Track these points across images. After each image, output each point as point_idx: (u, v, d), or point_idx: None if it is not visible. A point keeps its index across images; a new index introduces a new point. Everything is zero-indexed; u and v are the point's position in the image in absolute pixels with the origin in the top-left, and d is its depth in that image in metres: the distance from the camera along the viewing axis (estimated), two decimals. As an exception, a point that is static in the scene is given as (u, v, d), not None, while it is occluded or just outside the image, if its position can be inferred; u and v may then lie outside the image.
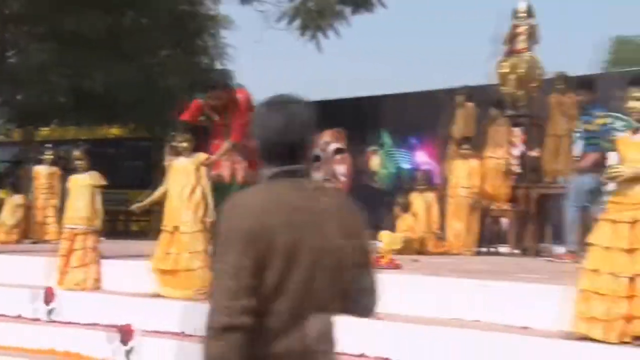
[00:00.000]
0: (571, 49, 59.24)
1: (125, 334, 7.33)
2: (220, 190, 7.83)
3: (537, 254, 12.07)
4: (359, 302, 2.68)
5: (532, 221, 12.39)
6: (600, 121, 10.15)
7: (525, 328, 5.86)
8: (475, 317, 6.19)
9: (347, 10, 17.77)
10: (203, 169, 7.86)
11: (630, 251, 5.21)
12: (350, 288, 2.60)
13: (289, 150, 2.58)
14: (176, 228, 7.63)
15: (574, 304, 5.42)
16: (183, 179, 7.76)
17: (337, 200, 2.71)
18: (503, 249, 12.72)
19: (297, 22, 17.65)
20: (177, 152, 7.92)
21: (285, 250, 2.41)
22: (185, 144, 7.82)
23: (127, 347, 7.29)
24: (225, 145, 8.00)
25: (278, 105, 2.68)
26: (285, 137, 2.57)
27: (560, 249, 10.75)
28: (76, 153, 9.22)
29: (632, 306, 5.19)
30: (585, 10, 66.99)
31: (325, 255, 2.47)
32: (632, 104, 5.52)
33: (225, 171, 8.10)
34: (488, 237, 12.86)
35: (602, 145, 10.32)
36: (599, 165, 10.36)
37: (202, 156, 7.91)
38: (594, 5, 67.15)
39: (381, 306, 6.30)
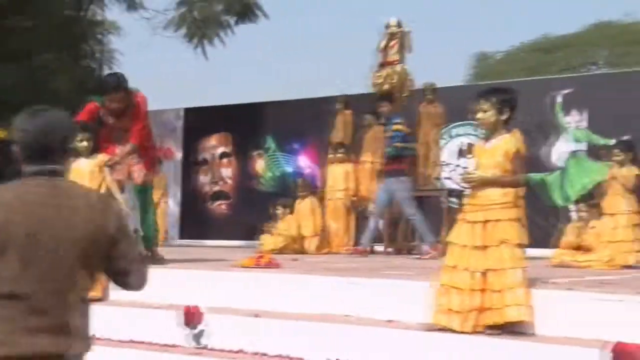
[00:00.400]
0: (443, 63, 60.40)
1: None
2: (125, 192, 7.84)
3: (409, 252, 12.27)
4: (126, 282, 3.01)
5: (404, 221, 12.56)
6: (395, 128, 11.01)
7: (390, 321, 5.87)
8: (346, 312, 6.18)
9: (232, 20, 17.72)
10: (106, 170, 7.59)
11: (482, 248, 5.37)
12: (102, 272, 2.96)
13: (47, 152, 2.77)
14: None
15: (435, 298, 5.52)
16: (86, 181, 7.20)
17: (88, 197, 2.91)
18: (378, 247, 12.82)
19: (183, 30, 17.53)
20: (76, 153, 7.40)
21: (23, 241, 2.63)
22: (85, 144, 7.47)
23: None
24: (128, 147, 7.81)
25: (38, 113, 2.86)
26: (43, 140, 2.77)
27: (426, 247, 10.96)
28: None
29: (484, 299, 5.34)
30: (455, 27, 68.25)
31: (68, 246, 2.68)
32: (479, 115, 5.68)
33: (120, 174, 7.88)
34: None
35: (386, 151, 10.82)
36: (389, 169, 11.30)
37: (103, 157, 7.65)
38: (463, 23, 68.47)
39: (260, 303, 6.34)
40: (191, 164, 18.38)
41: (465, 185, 5.65)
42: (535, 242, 10.68)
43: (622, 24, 40.57)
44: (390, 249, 12.54)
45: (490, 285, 5.35)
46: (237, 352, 6.03)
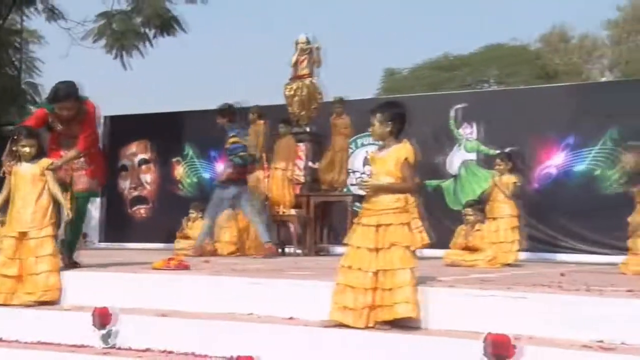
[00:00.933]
0: (360, 77, 60.81)
1: None
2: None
3: (317, 253, 12.36)
4: None
5: (313, 224, 12.65)
6: (231, 140, 11.05)
7: (291, 319, 5.87)
8: (249, 311, 6.16)
9: (151, 33, 17.60)
10: (49, 174, 7.25)
11: (375, 250, 5.42)
12: None
13: None
14: (23, 234, 7.03)
15: (332, 296, 5.55)
16: (28, 185, 7.15)
17: None
18: (289, 249, 12.92)
19: (102, 41, 17.34)
20: (18, 157, 7.22)
21: None
22: (28, 149, 7.15)
23: None
24: (73, 152, 7.50)
25: None
26: None
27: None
28: None
29: (376, 297, 5.40)
30: (370, 45, 68.91)
31: None
32: (371, 127, 5.81)
33: (64, 179, 7.58)
34: (277, 238, 13.06)
35: (234, 161, 10.89)
36: (236, 177, 11.21)
37: (46, 161, 7.28)
38: (376, 41, 69.16)
39: (168, 303, 6.29)
40: (113, 170, 18.14)
41: (361, 191, 5.69)
42: (436, 243, 10.98)
43: (510, 46, 41.98)
44: (300, 250, 12.64)
45: (381, 284, 5.39)
46: (144, 350, 5.92)
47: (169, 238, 12.80)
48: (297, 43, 13.12)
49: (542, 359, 4.77)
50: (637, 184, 8.41)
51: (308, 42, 13.08)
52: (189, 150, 17.64)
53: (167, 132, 17.56)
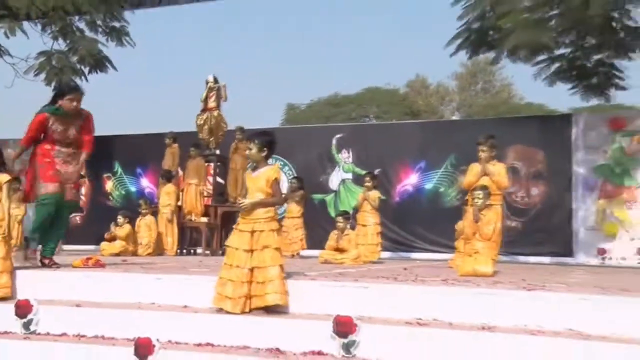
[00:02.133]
0: (266, 109, 60.75)
1: None
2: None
3: (222, 254, 12.36)
4: None
5: (218, 230, 12.68)
6: None
7: (185, 306, 5.90)
8: (152, 301, 6.17)
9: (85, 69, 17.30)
10: (7, 186, 6.82)
11: (250, 251, 5.55)
12: None
13: None
14: None
15: (215, 288, 5.66)
16: None
17: None
18: (200, 250, 12.92)
19: (42, 75, 16.98)
20: None
21: None
22: None
23: None
24: (84, 155, 7.03)
25: None
26: None
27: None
28: None
29: (251, 288, 5.51)
30: (273, 83, 68.94)
31: None
32: (247, 152, 5.93)
33: (56, 185, 7.04)
34: (189, 242, 13.08)
35: None
36: None
37: (4, 176, 6.84)
38: (279, 80, 69.30)
39: (82, 295, 6.17)
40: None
41: (240, 208, 5.73)
42: (318, 244, 11.11)
43: (384, 89, 42.82)
44: (208, 252, 12.65)
45: (255, 278, 5.50)
46: (60, 335, 5.85)
47: (99, 241, 12.60)
48: (206, 82, 13.22)
49: (376, 335, 4.96)
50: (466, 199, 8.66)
51: (215, 81, 13.20)
52: (118, 168, 17.44)
53: (100, 151, 17.28)
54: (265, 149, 5.83)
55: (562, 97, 58.64)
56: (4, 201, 6.92)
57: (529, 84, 60.37)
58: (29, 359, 5.69)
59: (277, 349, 5.10)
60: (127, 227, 12.25)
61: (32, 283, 6.84)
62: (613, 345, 4.53)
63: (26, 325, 6.13)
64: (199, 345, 5.33)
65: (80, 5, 16.24)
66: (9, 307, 6.25)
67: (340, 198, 15.19)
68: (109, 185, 17.55)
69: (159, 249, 12.39)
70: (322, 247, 10.66)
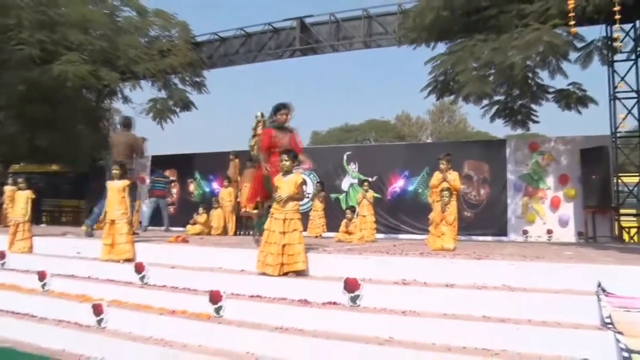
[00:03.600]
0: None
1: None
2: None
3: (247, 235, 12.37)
4: None
5: (265, 218, 12.58)
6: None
7: (242, 270, 5.93)
8: (219, 266, 6.18)
9: (177, 109, 17.62)
10: (127, 188, 7.05)
11: (282, 233, 5.48)
12: None
13: None
14: (113, 221, 6.91)
15: (257, 257, 5.63)
16: (116, 193, 7.00)
17: None
18: (252, 232, 12.81)
19: (151, 114, 17.39)
20: (112, 177, 7.12)
21: None
22: (116, 172, 7.08)
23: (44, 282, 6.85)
24: (302, 156, 6.23)
25: None
26: None
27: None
28: (19, 180, 8.64)
29: (284, 259, 5.47)
30: (302, 114, 68.82)
31: None
32: (282, 163, 5.83)
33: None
34: (245, 226, 13.02)
35: None
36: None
37: (126, 181, 7.10)
38: (307, 111, 69.22)
39: (175, 261, 6.17)
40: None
41: (277, 201, 5.67)
42: (334, 228, 11.04)
43: (380, 120, 43.14)
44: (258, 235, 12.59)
45: (287, 252, 5.47)
46: (162, 286, 5.99)
47: (185, 225, 12.66)
48: (255, 116, 13.13)
49: (372, 291, 4.96)
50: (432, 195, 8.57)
51: (262, 116, 13.07)
52: (198, 175, 17.50)
53: (185, 164, 17.47)
54: (295, 161, 5.85)
55: (499, 128, 58.31)
56: (127, 198, 7.08)
57: (477, 119, 60.14)
58: (143, 300, 5.77)
59: (305, 300, 5.12)
60: (204, 216, 12.30)
61: (145, 251, 6.94)
62: (531, 294, 4.57)
63: (141, 279, 6.21)
64: (252, 296, 5.36)
65: (175, 68, 16.64)
66: (130, 266, 6.36)
67: (349, 196, 15.10)
68: (191, 187, 17.60)
69: (224, 231, 12.41)
70: (336, 231, 10.57)
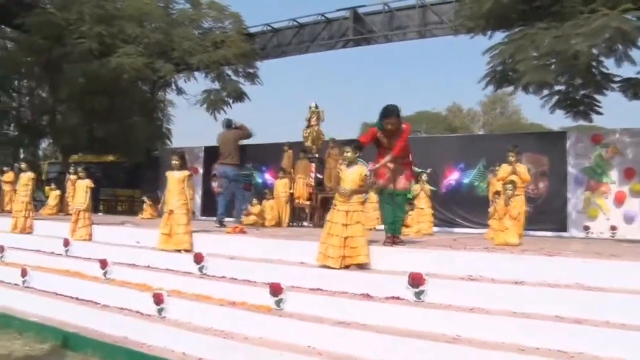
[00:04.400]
0: (346, 126, 60.01)
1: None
2: (384, 194, 6.23)
3: (321, 226, 12.19)
4: None
5: (318, 210, 12.58)
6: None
7: (302, 262, 5.85)
8: (278, 258, 6.10)
9: (230, 100, 17.76)
10: (188, 179, 7.08)
11: (345, 225, 5.38)
12: None
13: None
14: (171, 211, 6.95)
15: (319, 249, 5.54)
16: (176, 183, 7.04)
17: None
18: (306, 223, 12.81)
19: (205, 105, 17.57)
20: (171, 168, 7.12)
21: None
22: (176, 162, 7.06)
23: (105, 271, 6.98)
24: (387, 157, 5.95)
25: None
26: None
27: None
28: (79, 169, 8.86)
29: (346, 251, 5.36)
30: (355, 107, 68.15)
31: None
32: (345, 154, 5.74)
33: (384, 180, 6.08)
34: (298, 217, 12.99)
35: None
36: None
37: (186, 172, 7.11)
38: (359, 103, 68.61)
39: (235, 251, 6.13)
40: (208, 176, 18.10)
41: (342, 194, 5.52)
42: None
43: (431, 112, 42.80)
44: (310, 225, 12.56)
45: (349, 244, 5.37)
46: (222, 277, 5.97)
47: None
48: (309, 107, 13.10)
49: (437, 286, 4.80)
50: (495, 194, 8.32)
51: (316, 107, 13.04)
52: (249, 165, 17.61)
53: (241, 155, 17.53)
54: (357, 152, 5.71)
55: (554, 120, 56.28)
56: (186, 189, 7.09)
57: (531, 110, 58.33)
58: (202, 291, 5.78)
59: (367, 294, 4.99)
60: (258, 207, 12.29)
61: (203, 241, 6.95)
62: (609, 294, 4.32)
63: (200, 269, 6.22)
64: (312, 289, 5.27)
65: (229, 59, 16.74)
66: (189, 256, 6.38)
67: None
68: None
69: (278, 223, 12.40)
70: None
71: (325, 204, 13.27)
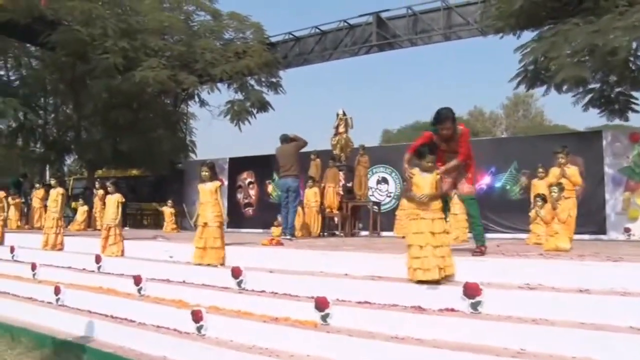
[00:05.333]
0: (366, 133, 59.74)
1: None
2: (446, 201, 5.77)
3: (352, 235, 12.03)
4: None
5: (349, 219, 12.35)
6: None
7: (346, 274, 5.55)
8: (320, 270, 5.82)
9: (254, 110, 17.67)
10: (219, 189, 6.93)
11: (433, 234, 4.82)
12: None
13: None
14: (205, 224, 6.76)
15: (411, 266, 4.91)
16: (209, 195, 6.87)
17: None
18: (337, 233, 12.56)
19: (228, 116, 17.54)
20: (202, 180, 6.96)
21: None
22: (206, 174, 6.89)
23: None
24: (454, 162, 5.62)
25: None
26: None
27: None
28: (108, 184, 8.70)
29: (438, 261, 4.81)
30: (376, 115, 67.84)
31: None
32: (424, 162, 5.18)
33: (446, 186, 5.72)
34: (328, 227, 12.74)
35: None
36: None
37: (217, 183, 6.94)
38: (381, 111, 68.24)
39: (272, 264, 5.89)
40: (233, 188, 18.07)
41: (420, 201, 4.94)
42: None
43: (456, 116, 41.28)
44: (342, 234, 12.29)
45: (439, 254, 4.81)
46: (260, 292, 5.72)
47: (265, 226, 12.56)
48: (337, 114, 12.89)
49: (493, 296, 4.50)
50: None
51: (344, 114, 12.82)
52: (276, 176, 17.39)
53: (265, 165, 17.23)
54: (422, 158, 5.27)
55: (579, 121, 54.84)
56: (219, 200, 6.90)
57: (555, 111, 57.21)
58: (242, 307, 5.55)
59: (419, 307, 4.72)
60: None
61: (238, 254, 6.73)
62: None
63: (239, 284, 5.99)
64: (359, 303, 5.02)
65: (251, 69, 16.63)
66: (226, 271, 6.18)
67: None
68: (269, 188, 17.55)
69: (307, 232, 12.16)
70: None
71: (356, 213, 13.05)
